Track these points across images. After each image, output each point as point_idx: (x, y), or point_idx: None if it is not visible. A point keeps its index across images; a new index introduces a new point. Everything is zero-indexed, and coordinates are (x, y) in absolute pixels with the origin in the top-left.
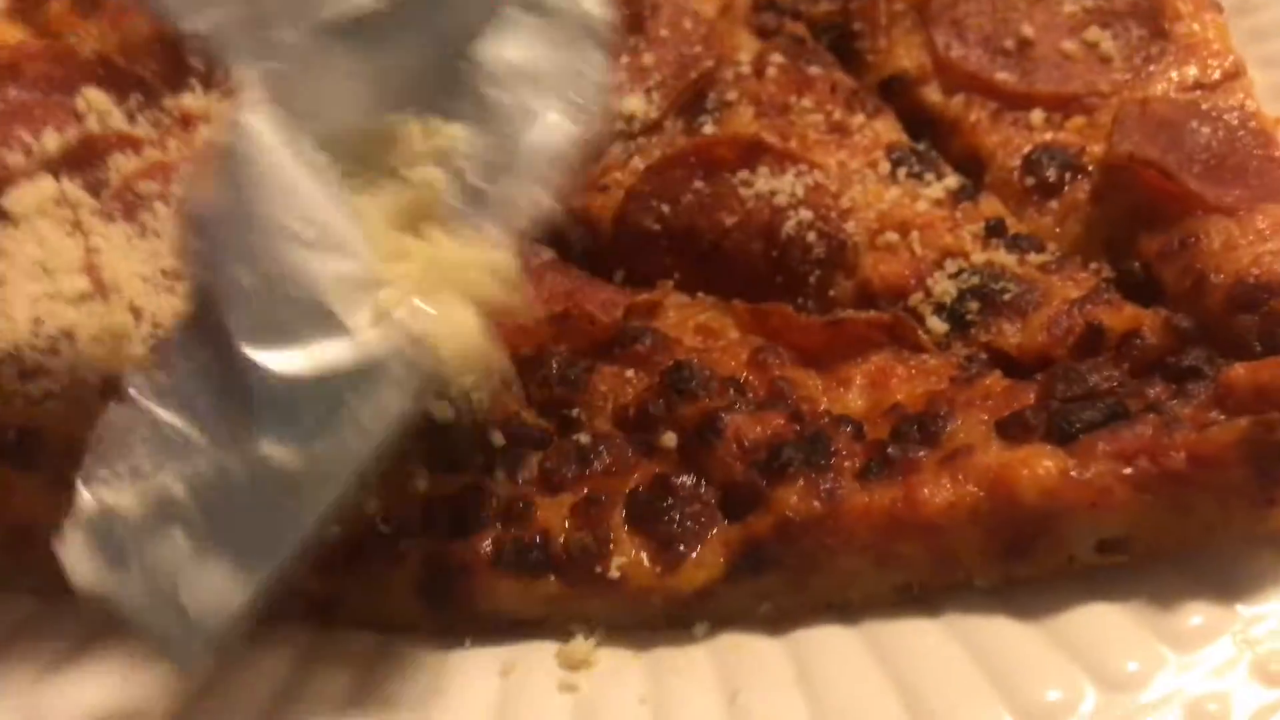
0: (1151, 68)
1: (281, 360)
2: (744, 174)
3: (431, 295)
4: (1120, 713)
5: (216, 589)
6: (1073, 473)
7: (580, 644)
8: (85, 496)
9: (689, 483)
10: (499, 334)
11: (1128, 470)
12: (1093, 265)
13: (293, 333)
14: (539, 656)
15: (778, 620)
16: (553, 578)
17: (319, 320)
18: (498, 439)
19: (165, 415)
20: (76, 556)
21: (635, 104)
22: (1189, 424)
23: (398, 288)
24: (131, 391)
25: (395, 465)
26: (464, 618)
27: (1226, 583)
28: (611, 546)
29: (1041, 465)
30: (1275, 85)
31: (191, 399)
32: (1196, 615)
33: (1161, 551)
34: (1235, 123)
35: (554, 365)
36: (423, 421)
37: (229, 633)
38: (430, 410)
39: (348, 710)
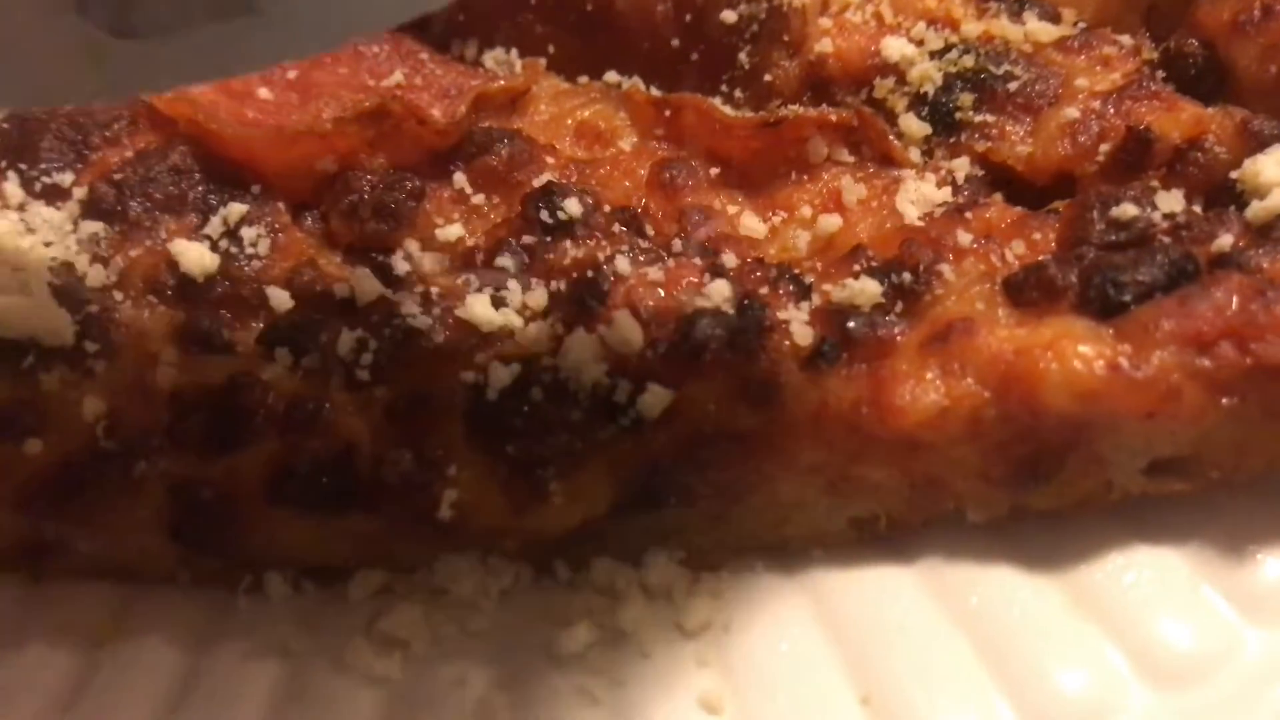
0: None
1: None
2: None
3: None
4: (1173, 716)
5: None
6: (1124, 364)
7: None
8: None
9: (561, 375)
10: (280, 140)
11: (1204, 362)
12: (1129, 41)
13: None
14: (349, 620)
15: (685, 562)
16: (359, 515)
17: None
18: (281, 301)
19: None
20: None
21: None
22: None
23: None
24: None
25: (128, 345)
26: (237, 564)
27: None
28: (446, 472)
29: (1077, 354)
30: None
31: None
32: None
33: (1236, 477)
34: None
35: (366, 188)
36: (167, 274)
37: None
38: (178, 256)
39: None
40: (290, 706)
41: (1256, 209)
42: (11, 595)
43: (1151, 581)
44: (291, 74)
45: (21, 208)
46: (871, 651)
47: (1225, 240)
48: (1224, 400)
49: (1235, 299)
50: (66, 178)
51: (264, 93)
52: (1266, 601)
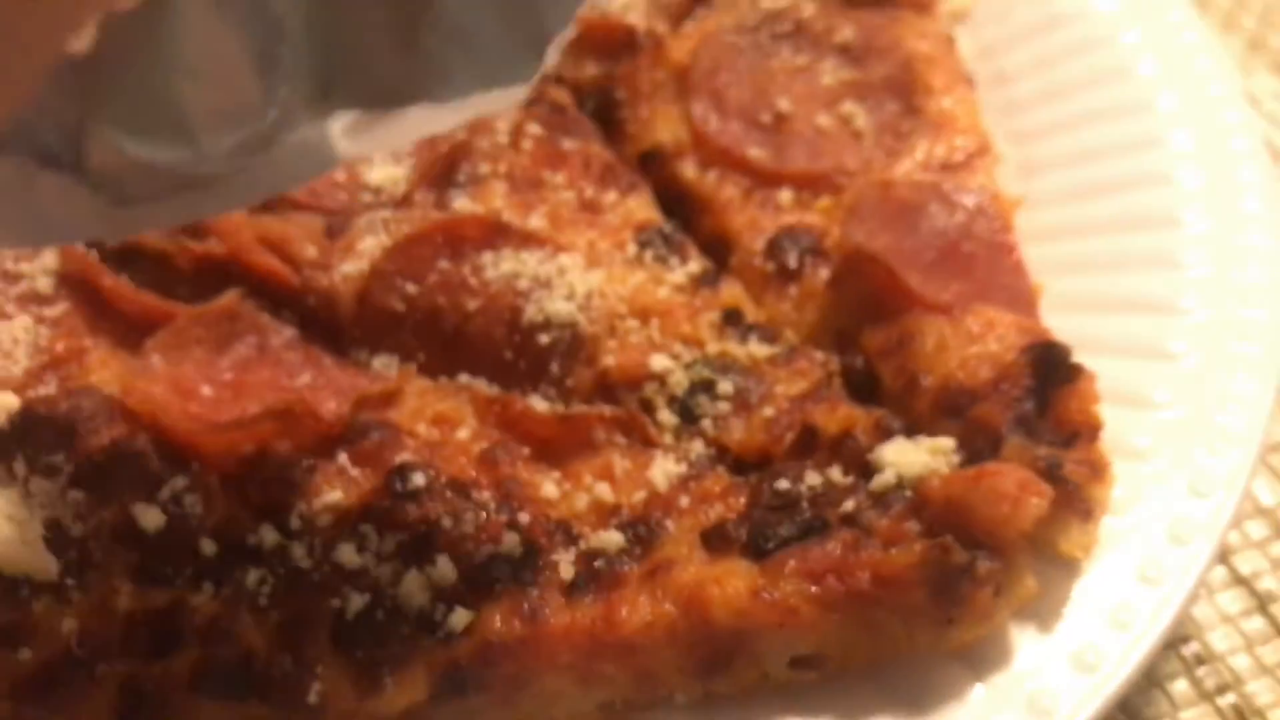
0: (900, 146)
1: None
2: (489, 255)
3: None
4: None
5: None
6: (762, 593)
7: None
8: None
9: (398, 601)
10: (214, 432)
11: (815, 589)
12: (822, 358)
13: None
14: None
15: None
16: (255, 701)
17: None
18: (209, 547)
19: None
20: None
21: (384, 174)
22: (882, 538)
23: None
24: None
25: (97, 580)
26: None
27: (916, 698)
28: (315, 670)
29: (732, 585)
30: (1026, 161)
31: None
32: None
33: (853, 666)
34: (973, 206)
35: (273, 466)
36: (129, 530)
37: None
38: (137, 516)
39: None
40: None
41: (877, 482)
42: None
43: None
44: (227, 375)
45: (25, 480)
46: None
47: (849, 504)
48: (831, 615)
49: (839, 548)
50: (59, 458)
51: (206, 390)
52: None
